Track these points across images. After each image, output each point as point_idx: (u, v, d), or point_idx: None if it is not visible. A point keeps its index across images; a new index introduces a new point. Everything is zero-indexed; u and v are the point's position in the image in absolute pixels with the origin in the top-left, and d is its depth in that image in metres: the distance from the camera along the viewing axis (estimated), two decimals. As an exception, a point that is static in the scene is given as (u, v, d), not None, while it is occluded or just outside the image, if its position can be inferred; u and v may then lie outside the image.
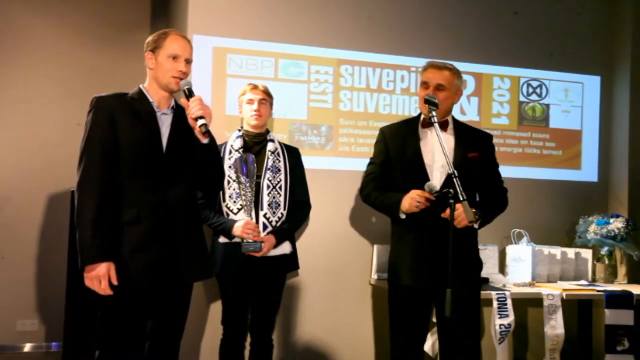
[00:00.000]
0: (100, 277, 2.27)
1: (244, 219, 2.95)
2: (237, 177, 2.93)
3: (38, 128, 4.35)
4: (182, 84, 2.46)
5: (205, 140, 2.43)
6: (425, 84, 2.87)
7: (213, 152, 2.51)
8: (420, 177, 2.79)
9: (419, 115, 2.98)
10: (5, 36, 4.32)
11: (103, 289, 2.28)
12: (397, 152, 2.91)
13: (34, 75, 4.37)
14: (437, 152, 2.82)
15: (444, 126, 2.84)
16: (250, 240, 2.93)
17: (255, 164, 2.92)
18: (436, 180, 2.80)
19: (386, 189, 2.92)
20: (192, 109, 2.38)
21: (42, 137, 4.35)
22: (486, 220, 2.89)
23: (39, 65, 4.37)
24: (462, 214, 2.60)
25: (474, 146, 2.91)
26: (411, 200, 2.72)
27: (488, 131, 3.14)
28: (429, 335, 3.16)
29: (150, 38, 2.50)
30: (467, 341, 2.80)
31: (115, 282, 2.29)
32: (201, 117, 2.37)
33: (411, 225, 2.82)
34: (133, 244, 2.35)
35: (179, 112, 2.53)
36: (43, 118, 4.36)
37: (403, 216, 2.81)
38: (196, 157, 2.46)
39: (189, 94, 2.44)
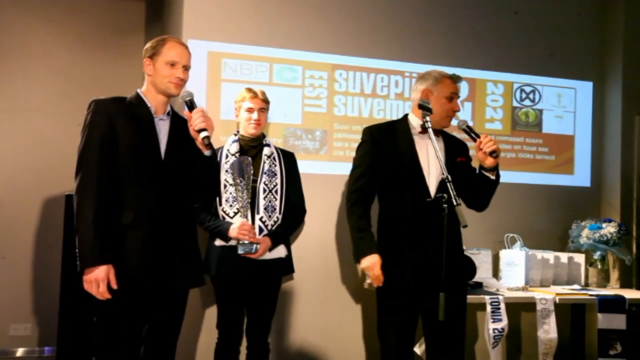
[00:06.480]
0: (99, 280, 2.27)
1: (240, 220, 2.96)
2: (234, 179, 2.94)
3: (33, 131, 4.33)
4: (184, 96, 2.48)
5: (207, 152, 2.45)
6: (455, 94, 2.93)
7: (214, 163, 2.54)
8: (417, 184, 2.81)
9: (405, 117, 2.99)
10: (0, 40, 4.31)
11: (101, 292, 2.28)
12: (389, 156, 2.88)
13: (29, 79, 4.35)
14: (432, 157, 2.84)
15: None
16: (246, 242, 2.94)
17: (252, 167, 2.94)
18: (432, 185, 2.82)
19: (369, 204, 2.91)
20: (195, 121, 2.40)
21: (36, 140, 4.32)
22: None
23: (33, 69, 4.36)
24: (489, 141, 2.75)
25: (460, 151, 2.97)
26: (373, 275, 2.79)
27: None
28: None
29: (148, 44, 2.51)
30: (453, 343, 2.82)
31: (114, 286, 2.29)
32: (204, 130, 2.39)
33: (393, 232, 2.84)
34: (130, 247, 2.35)
35: (175, 119, 2.55)
36: (38, 121, 4.33)
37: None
38: (196, 166, 2.47)
39: (191, 105, 2.45)
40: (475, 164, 2.99)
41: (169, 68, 2.45)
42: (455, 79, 2.93)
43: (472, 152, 3.05)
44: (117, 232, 2.34)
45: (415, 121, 2.93)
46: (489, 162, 2.78)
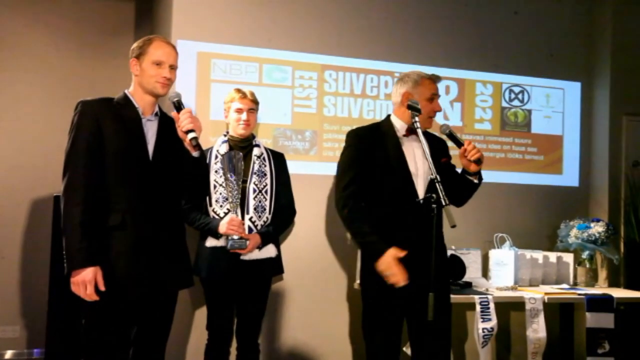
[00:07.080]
0: (86, 282, 2.26)
1: (229, 216, 2.96)
2: (224, 173, 2.93)
3: (25, 131, 4.31)
4: (172, 96, 2.46)
5: (195, 154, 2.44)
6: (436, 95, 2.90)
7: (202, 165, 2.53)
8: (406, 186, 2.81)
9: (388, 119, 2.97)
10: (-12, 42, 4.29)
11: (89, 294, 2.27)
12: (377, 160, 2.85)
13: (18, 81, 4.32)
14: (419, 159, 2.85)
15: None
16: (235, 237, 2.93)
17: (242, 162, 2.94)
18: (420, 187, 2.82)
19: (363, 208, 2.86)
20: (183, 122, 2.39)
21: (27, 140, 4.30)
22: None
23: (23, 71, 4.33)
24: (473, 149, 2.76)
25: (441, 151, 2.98)
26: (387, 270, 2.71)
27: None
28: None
29: (135, 44, 2.50)
30: (439, 343, 2.82)
31: (102, 288, 2.28)
32: (192, 131, 2.38)
33: (381, 233, 2.81)
34: (118, 249, 2.34)
35: (163, 119, 2.54)
36: (28, 121, 4.32)
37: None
38: (184, 168, 2.46)
39: (179, 106, 2.44)
40: (455, 161, 3.01)
41: (156, 68, 2.44)
42: (435, 79, 2.92)
43: (453, 152, 3.06)
44: (104, 233, 2.33)
45: (398, 123, 2.92)
46: (473, 168, 2.82)
